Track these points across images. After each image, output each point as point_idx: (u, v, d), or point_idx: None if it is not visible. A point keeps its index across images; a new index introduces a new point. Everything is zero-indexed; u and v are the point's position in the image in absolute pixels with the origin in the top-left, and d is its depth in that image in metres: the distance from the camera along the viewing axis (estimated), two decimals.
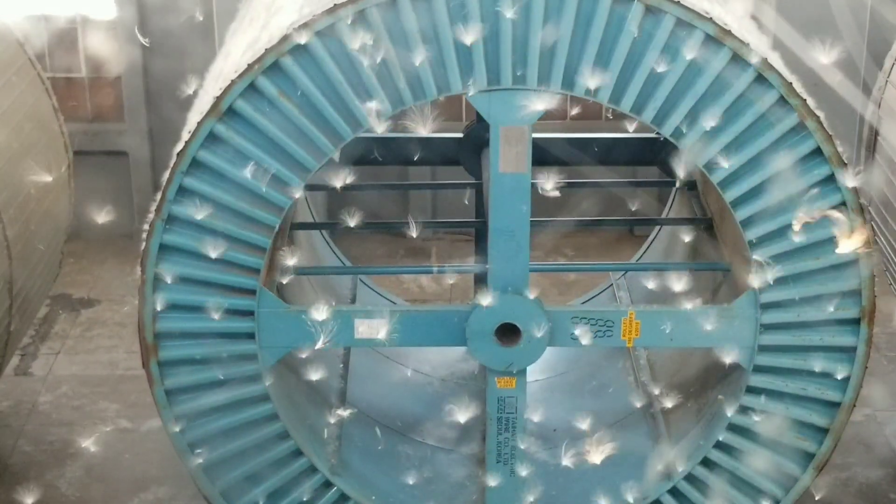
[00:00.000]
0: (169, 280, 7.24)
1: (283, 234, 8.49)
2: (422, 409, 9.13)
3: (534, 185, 7.32)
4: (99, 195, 13.33)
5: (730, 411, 7.63)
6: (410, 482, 8.26)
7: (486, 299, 7.40)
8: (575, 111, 10.66)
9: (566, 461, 8.63)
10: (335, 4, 6.87)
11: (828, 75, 10.59)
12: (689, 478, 7.79)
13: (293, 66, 6.98)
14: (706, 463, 7.75)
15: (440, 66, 6.99)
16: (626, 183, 10.58)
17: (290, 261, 7.54)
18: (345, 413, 8.17)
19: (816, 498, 9.33)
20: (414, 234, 7.90)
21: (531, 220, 7.33)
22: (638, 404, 8.83)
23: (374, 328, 7.47)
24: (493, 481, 7.83)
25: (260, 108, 7.04)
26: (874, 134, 10.16)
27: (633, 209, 10.60)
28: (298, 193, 7.18)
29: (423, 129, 7.07)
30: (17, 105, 9.74)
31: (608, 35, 6.97)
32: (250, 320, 7.38)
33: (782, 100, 7.07)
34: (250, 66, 6.98)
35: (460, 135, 9.44)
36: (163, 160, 8.23)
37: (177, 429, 7.52)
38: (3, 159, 9.19)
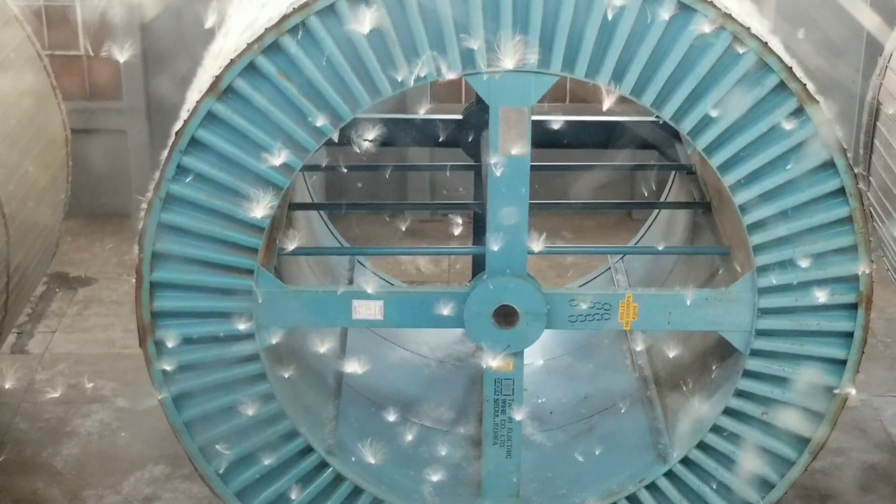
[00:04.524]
0: (166, 259, 7.24)
1: (282, 214, 8.48)
2: (419, 391, 9.14)
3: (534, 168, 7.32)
4: (97, 173, 13.39)
5: (726, 395, 7.64)
6: (406, 463, 8.27)
7: (484, 281, 7.40)
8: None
9: (562, 444, 8.67)
10: None
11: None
12: (685, 461, 7.81)
13: (293, 46, 6.96)
14: (702, 446, 7.76)
15: (440, 47, 6.98)
16: (625, 167, 10.58)
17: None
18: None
19: (811, 482, 9.38)
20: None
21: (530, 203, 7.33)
22: (635, 387, 8.84)
23: (371, 309, 7.47)
24: (489, 463, 7.84)
25: (259, 87, 7.03)
26: (873, 119, 10.15)
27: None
28: (296, 173, 7.16)
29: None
30: (15, 83, 9.71)
31: (608, 18, 6.95)
32: (247, 300, 7.37)
33: (782, 84, 7.07)
34: (249, 46, 6.96)
35: (459, 116, 9.43)
36: (161, 139, 8.22)
37: (173, 407, 7.52)
38: (0, 136, 9.17)
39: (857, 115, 11.93)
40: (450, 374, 9.45)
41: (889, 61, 10.06)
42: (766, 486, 7.80)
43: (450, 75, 7.04)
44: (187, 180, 7.12)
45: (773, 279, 7.38)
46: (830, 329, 7.49)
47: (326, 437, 7.92)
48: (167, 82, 12.50)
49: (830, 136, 7.13)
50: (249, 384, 7.52)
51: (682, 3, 6.91)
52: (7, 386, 10.34)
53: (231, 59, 7.00)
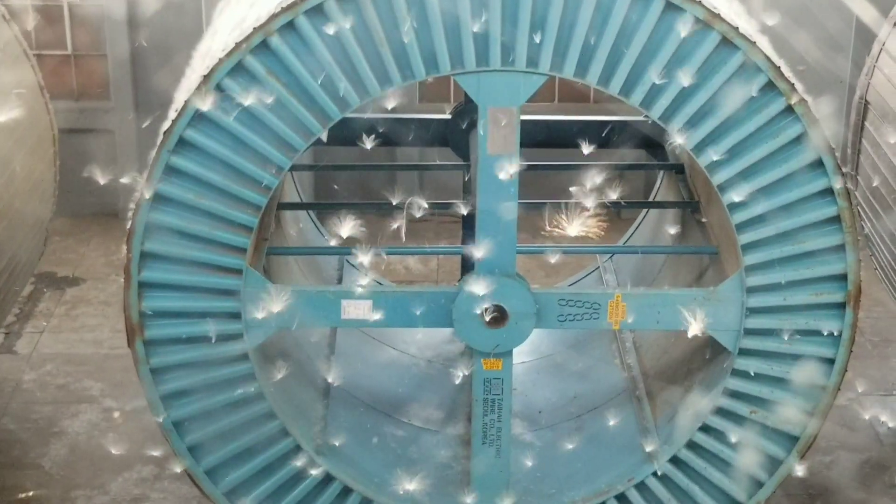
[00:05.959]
0: (155, 259, 7.23)
1: (270, 213, 8.47)
2: (408, 391, 9.14)
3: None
4: (84, 173, 13.35)
5: (715, 394, 7.65)
6: (395, 463, 8.27)
7: (472, 281, 7.40)
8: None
9: (551, 443, 8.67)
10: None
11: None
12: (674, 460, 7.81)
13: (281, 45, 6.95)
14: (691, 446, 7.77)
15: (429, 46, 6.98)
16: (613, 166, 10.56)
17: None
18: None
19: (800, 480, 9.39)
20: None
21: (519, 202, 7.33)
22: (623, 387, 8.85)
23: (360, 309, 7.47)
24: (478, 462, 7.84)
25: (247, 87, 7.01)
26: (861, 118, 10.17)
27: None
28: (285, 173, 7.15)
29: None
30: (2, 82, 9.69)
31: (597, 18, 6.96)
32: (236, 300, 7.36)
33: (770, 84, 7.07)
34: (238, 45, 6.95)
35: (448, 116, 9.43)
36: (149, 138, 8.21)
37: (162, 408, 7.51)
38: None
39: (846, 113, 11.94)
40: (439, 373, 9.45)
41: (877, 60, 10.08)
42: (755, 484, 7.81)
43: (438, 74, 7.04)
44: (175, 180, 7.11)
45: (761, 278, 7.39)
46: (819, 328, 7.50)
47: (316, 437, 7.91)
48: (156, 82, 12.50)
49: (819, 136, 7.14)
50: (239, 384, 7.51)
51: (670, 3, 6.92)
52: None
53: (219, 59, 6.98)
